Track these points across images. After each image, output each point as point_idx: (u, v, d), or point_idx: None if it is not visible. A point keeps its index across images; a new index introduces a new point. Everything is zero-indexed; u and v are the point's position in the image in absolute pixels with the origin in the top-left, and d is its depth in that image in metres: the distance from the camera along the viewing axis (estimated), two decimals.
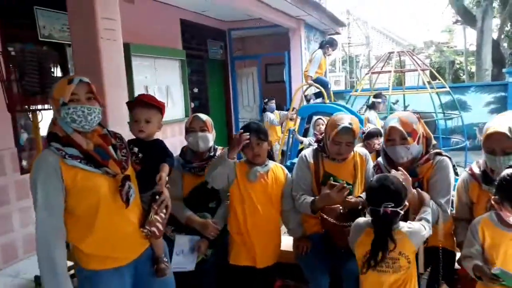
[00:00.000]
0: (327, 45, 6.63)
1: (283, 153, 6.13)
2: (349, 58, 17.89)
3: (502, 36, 15.56)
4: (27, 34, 4.05)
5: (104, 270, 1.70)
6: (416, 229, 1.85)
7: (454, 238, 2.20)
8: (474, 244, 1.82)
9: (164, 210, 1.87)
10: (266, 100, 7.18)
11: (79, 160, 1.64)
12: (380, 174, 1.99)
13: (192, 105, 6.94)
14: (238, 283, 2.31)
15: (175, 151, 6.34)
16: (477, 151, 2.52)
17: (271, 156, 2.43)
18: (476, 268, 1.76)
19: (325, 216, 2.25)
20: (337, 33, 9.56)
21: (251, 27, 7.95)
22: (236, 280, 2.31)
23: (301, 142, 5.50)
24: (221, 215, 2.41)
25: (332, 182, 2.22)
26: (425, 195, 2.02)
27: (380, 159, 2.31)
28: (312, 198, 2.28)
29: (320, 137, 2.46)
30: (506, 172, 1.73)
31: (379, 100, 5.74)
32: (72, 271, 2.06)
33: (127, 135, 2.05)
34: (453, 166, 2.17)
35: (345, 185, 2.15)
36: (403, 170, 1.98)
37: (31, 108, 2.94)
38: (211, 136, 2.46)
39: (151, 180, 1.88)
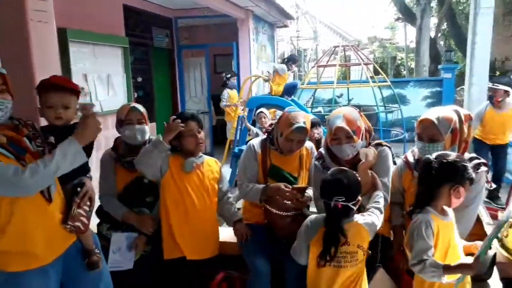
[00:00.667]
0: (290, 62, 6.97)
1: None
2: (297, 52, 18.15)
3: (439, 35, 16.55)
4: None
5: (26, 271, 1.58)
6: (371, 220, 1.86)
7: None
8: (430, 247, 1.70)
9: (88, 203, 1.78)
10: (229, 75, 7.13)
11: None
12: (336, 168, 1.97)
13: (136, 94, 6.65)
14: (178, 278, 2.25)
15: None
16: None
17: None
18: (467, 266, 1.64)
19: (268, 207, 2.26)
20: (285, 26, 9.64)
21: (198, 16, 7.79)
22: (175, 275, 2.25)
23: (249, 130, 5.49)
24: (158, 209, 2.32)
25: (297, 186, 2.27)
26: (379, 181, 2.06)
27: (322, 150, 2.34)
28: (263, 185, 2.29)
29: (270, 128, 2.45)
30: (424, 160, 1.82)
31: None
32: None
33: None
34: (392, 155, 2.25)
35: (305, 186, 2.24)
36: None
37: None
38: (148, 129, 2.38)
39: (72, 171, 1.76)
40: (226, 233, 2.49)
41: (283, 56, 17.32)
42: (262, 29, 8.52)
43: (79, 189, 1.76)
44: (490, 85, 4.91)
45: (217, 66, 10.05)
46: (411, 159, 2.18)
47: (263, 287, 2.13)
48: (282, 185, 2.24)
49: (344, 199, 1.77)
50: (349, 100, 7.89)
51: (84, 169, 1.89)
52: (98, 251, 1.83)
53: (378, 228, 1.90)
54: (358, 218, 1.85)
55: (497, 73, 9.36)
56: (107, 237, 2.24)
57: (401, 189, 2.23)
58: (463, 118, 2.03)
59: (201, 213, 2.27)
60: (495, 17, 6.74)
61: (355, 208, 1.81)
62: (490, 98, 4.88)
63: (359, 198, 1.84)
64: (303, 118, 2.26)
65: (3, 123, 1.58)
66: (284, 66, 6.86)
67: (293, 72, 7.42)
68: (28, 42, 2.81)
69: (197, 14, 7.71)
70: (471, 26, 6.17)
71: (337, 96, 7.86)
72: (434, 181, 1.75)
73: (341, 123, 2.06)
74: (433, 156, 1.79)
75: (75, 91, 1.92)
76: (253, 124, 5.89)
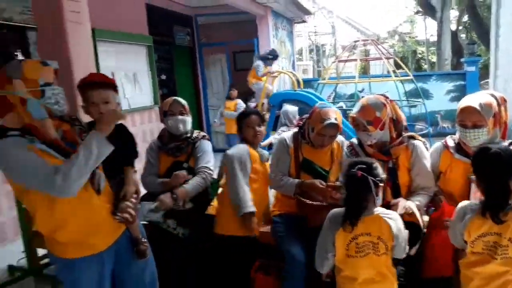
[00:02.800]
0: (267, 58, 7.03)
1: None
2: (315, 47, 18.08)
3: (460, 27, 16.23)
4: None
5: (83, 258, 1.68)
6: (394, 217, 1.86)
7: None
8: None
9: (135, 195, 1.88)
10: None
11: (49, 149, 1.57)
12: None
13: (160, 92, 6.79)
14: (221, 257, 2.40)
15: (144, 138, 6.24)
16: (440, 137, 2.64)
17: None
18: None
19: (301, 199, 2.31)
20: (304, 21, 9.63)
21: (217, 13, 7.85)
22: (219, 253, 2.40)
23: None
24: (193, 183, 2.43)
25: (332, 184, 2.30)
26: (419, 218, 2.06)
27: (354, 139, 2.39)
28: (298, 181, 2.36)
29: (301, 123, 2.50)
30: (478, 148, 1.79)
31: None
32: (47, 260, 2.00)
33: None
34: (426, 148, 2.29)
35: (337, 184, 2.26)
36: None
37: None
38: (189, 119, 2.58)
39: (117, 165, 1.88)
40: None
41: (301, 51, 17.30)
42: (281, 25, 8.54)
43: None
44: None
45: (237, 63, 10.12)
46: (451, 143, 2.21)
47: (299, 275, 2.18)
48: (317, 182, 2.29)
49: (365, 167, 1.81)
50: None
51: (128, 163, 1.98)
52: (145, 240, 1.92)
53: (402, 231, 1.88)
54: (381, 211, 1.87)
55: None
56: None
57: (437, 171, 2.24)
58: (499, 101, 2.07)
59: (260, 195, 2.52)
60: None
61: (374, 191, 1.79)
62: None
63: (381, 183, 1.84)
64: (334, 114, 2.31)
65: (61, 116, 1.65)
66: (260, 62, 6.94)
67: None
68: (65, 41, 2.91)
69: (217, 11, 7.76)
70: (494, 18, 6.04)
71: (359, 90, 7.82)
72: (507, 174, 1.68)
73: (356, 113, 2.19)
74: (492, 146, 1.74)
75: (114, 86, 2.00)
76: (277, 120, 5.91)
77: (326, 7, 18.45)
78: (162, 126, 2.72)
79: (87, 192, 1.65)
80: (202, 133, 2.65)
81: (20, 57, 3.11)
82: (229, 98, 7.01)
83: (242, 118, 2.54)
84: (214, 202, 2.65)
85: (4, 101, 1.54)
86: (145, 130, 6.09)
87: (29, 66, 1.57)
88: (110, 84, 1.98)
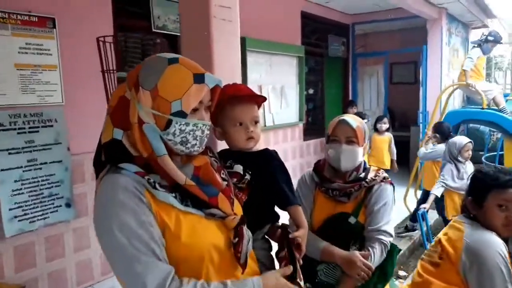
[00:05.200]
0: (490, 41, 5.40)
1: None
2: (487, 59, 15.42)
3: None
4: (141, 24, 3.74)
5: None
6: None
7: None
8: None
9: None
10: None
11: (173, 195, 1.04)
12: None
13: (306, 107, 6.27)
14: None
15: (285, 158, 5.73)
16: None
17: None
18: None
19: None
20: (485, 26, 7.96)
21: (378, 20, 6.98)
22: None
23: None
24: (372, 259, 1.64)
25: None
26: None
27: None
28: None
29: None
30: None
31: None
32: None
33: None
34: None
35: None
36: None
37: None
38: (360, 151, 1.77)
39: (263, 212, 1.38)
40: None
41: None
42: (455, 31, 7.13)
43: (290, 234, 1.30)
44: None
45: (394, 76, 9.10)
46: None
47: None
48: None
49: None
50: None
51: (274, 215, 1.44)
52: None
53: None
54: None
55: None
56: None
57: None
58: None
59: None
60: None
61: None
62: None
63: None
64: None
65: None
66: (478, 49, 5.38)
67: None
68: (210, 50, 2.44)
69: (378, 18, 6.91)
70: None
71: None
72: None
73: None
74: None
75: (262, 102, 1.47)
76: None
77: (498, 14, 15.57)
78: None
79: (224, 259, 1.09)
80: (382, 173, 1.81)
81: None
82: (377, 131, 5.36)
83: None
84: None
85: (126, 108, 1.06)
86: (286, 149, 5.65)
87: (171, 78, 1.04)
88: (260, 99, 1.45)
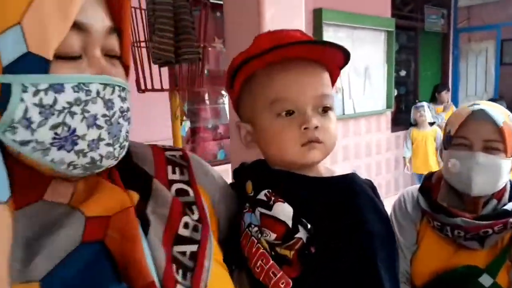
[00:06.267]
0: None
1: None
2: None
3: None
4: None
5: None
6: None
7: None
8: None
9: None
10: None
11: None
12: None
13: (395, 92, 5.54)
14: None
15: (370, 153, 5.01)
16: None
17: None
18: None
19: None
20: None
21: None
22: None
23: None
24: None
25: None
26: None
27: None
28: None
29: None
30: None
31: None
32: None
33: None
34: None
35: None
36: None
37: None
38: (507, 165, 1.05)
39: None
40: None
41: None
42: None
43: None
44: None
45: (505, 55, 7.82)
46: None
47: None
48: None
49: None
50: None
51: None
52: None
53: None
54: None
55: None
56: None
57: None
58: None
59: None
60: None
61: None
62: None
63: None
64: None
65: None
66: None
67: None
68: (259, 17, 1.81)
69: None
70: None
71: None
72: None
73: None
74: None
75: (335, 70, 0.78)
76: None
77: None
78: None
79: None
80: None
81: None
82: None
83: None
84: None
85: None
86: (369, 142, 5.02)
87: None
88: (335, 59, 0.73)
